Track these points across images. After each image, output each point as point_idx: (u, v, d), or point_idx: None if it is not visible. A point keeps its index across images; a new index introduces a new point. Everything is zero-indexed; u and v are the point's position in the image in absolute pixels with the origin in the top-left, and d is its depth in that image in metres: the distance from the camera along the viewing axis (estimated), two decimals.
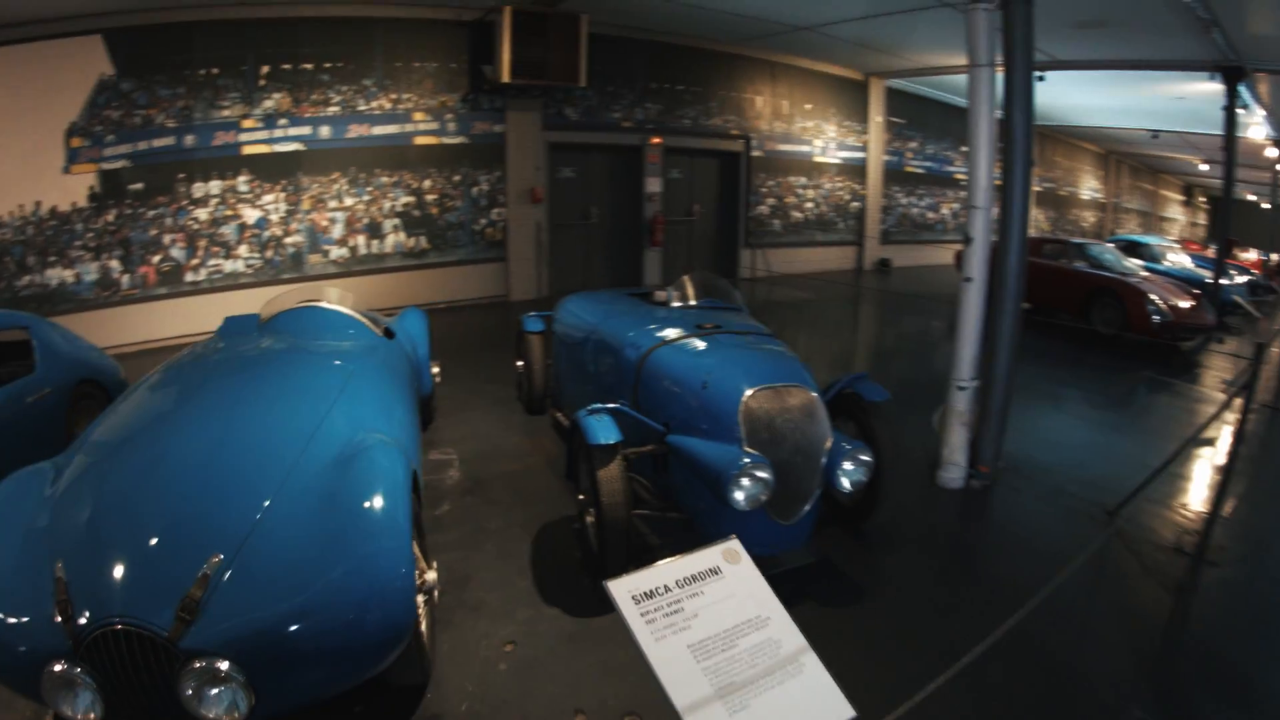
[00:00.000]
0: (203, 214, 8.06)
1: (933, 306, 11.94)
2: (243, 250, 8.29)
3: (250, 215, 8.31)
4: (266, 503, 2.38)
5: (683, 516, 3.73)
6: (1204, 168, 23.87)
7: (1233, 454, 4.07)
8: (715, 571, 1.80)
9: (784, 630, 1.75)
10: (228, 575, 2.17)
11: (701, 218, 12.99)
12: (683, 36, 11.72)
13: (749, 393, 3.40)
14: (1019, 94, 4.90)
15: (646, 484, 3.86)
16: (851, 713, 1.68)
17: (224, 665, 2.04)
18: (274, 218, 8.46)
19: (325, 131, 8.72)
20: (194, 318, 7.84)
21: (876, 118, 15.45)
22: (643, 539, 3.86)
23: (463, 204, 9.71)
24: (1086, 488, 4.93)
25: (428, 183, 9.42)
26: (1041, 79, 10.19)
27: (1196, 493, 4.81)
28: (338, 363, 3.54)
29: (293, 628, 2.15)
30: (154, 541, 2.23)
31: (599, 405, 3.62)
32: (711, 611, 1.72)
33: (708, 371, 3.65)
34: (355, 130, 8.92)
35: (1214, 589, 3.60)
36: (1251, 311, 11.91)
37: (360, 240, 8.99)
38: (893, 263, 16.02)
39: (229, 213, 8.20)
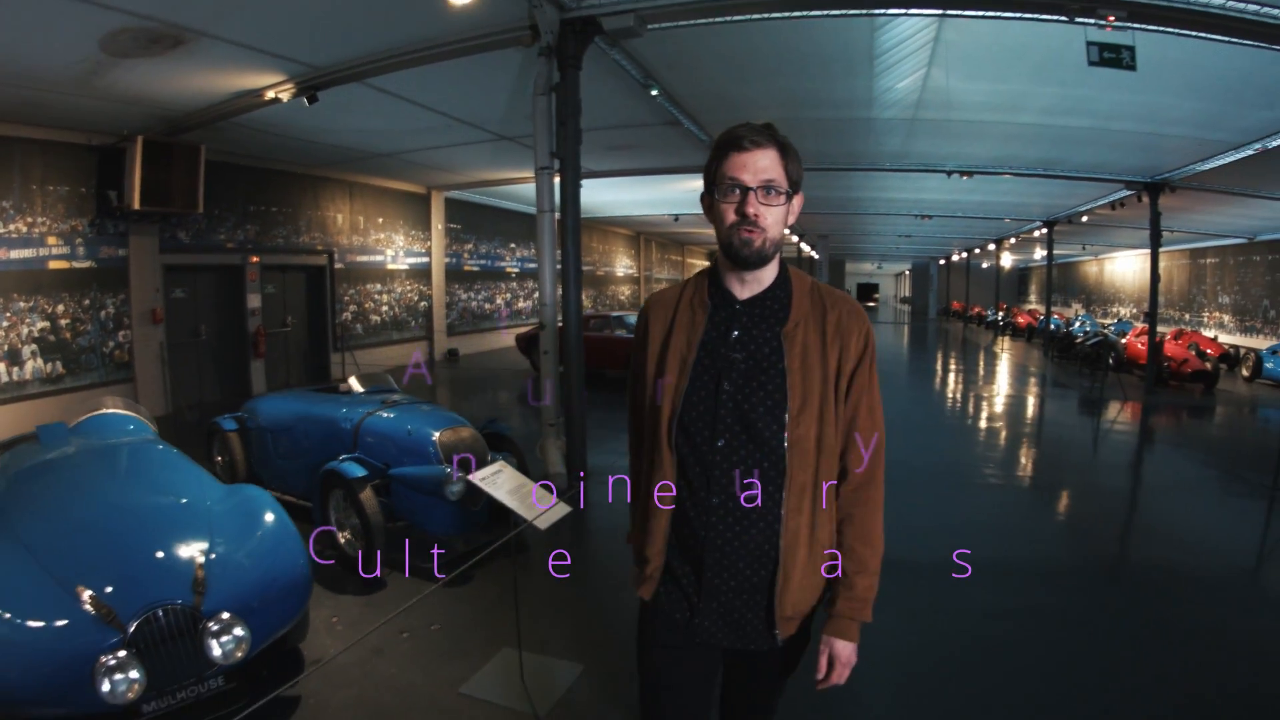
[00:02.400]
0: None
1: (502, 381, 16.41)
2: None
3: None
4: (209, 521, 3.83)
5: (408, 523, 5.68)
6: None
7: None
8: (502, 470, 4.07)
9: (528, 483, 4.11)
10: (212, 560, 3.57)
11: (295, 328, 16.06)
12: (277, 162, 14.80)
13: (437, 434, 5.66)
14: (570, 232, 7.43)
15: (384, 503, 5.59)
16: (562, 505, 3.87)
17: (226, 615, 3.35)
18: None
19: None
20: None
21: (438, 225, 20.16)
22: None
23: (93, 327, 11.46)
24: None
25: (61, 307, 10.98)
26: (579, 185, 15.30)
27: None
28: (144, 447, 4.96)
29: (258, 586, 3.62)
30: (150, 553, 3.53)
31: (346, 456, 5.64)
32: (507, 481, 4.03)
33: (408, 425, 5.85)
34: None
35: None
36: None
37: (1, 368, 10.31)
38: (460, 351, 20.94)
39: None
